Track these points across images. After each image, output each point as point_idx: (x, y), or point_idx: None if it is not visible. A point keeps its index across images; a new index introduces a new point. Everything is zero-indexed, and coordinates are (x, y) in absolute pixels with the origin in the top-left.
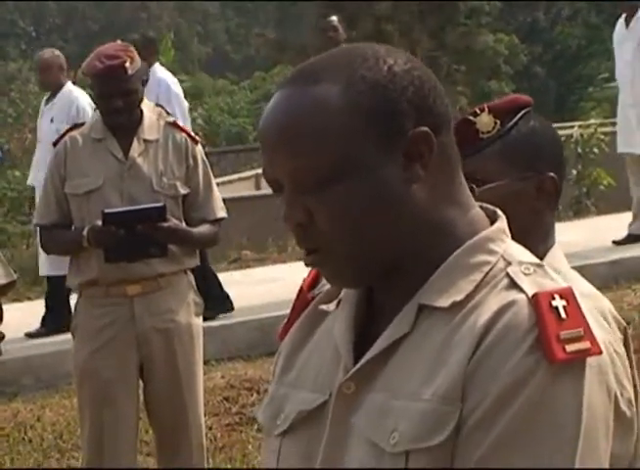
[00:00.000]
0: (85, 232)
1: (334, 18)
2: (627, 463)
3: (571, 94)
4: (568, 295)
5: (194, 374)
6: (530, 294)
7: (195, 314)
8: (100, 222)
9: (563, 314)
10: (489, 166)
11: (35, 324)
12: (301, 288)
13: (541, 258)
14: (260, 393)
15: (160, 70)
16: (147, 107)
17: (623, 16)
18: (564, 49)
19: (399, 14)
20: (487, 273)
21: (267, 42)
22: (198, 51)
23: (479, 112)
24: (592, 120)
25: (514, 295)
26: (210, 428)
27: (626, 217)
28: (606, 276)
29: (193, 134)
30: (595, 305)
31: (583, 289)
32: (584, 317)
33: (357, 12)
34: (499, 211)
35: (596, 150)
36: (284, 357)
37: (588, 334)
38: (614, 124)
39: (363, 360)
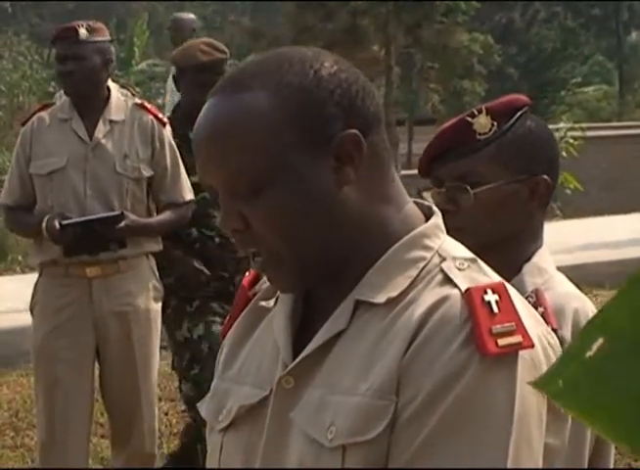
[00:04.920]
0: (44, 225)
1: None
2: (563, 455)
3: (542, 97)
4: (500, 290)
5: (149, 359)
6: (463, 289)
7: (154, 299)
8: (57, 224)
9: (495, 309)
10: (485, 168)
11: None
12: (243, 285)
13: (529, 258)
14: None
15: None
16: (114, 88)
17: None
18: (538, 51)
19: (376, 8)
20: (423, 269)
21: (242, 30)
22: None
23: (476, 113)
24: (562, 124)
25: (447, 290)
26: (166, 413)
27: (591, 222)
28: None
29: (160, 116)
30: (579, 305)
31: (568, 289)
32: (516, 312)
33: (333, 5)
34: (435, 208)
35: (564, 154)
36: (226, 353)
37: (520, 328)
38: (583, 129)
39: (301, 356)
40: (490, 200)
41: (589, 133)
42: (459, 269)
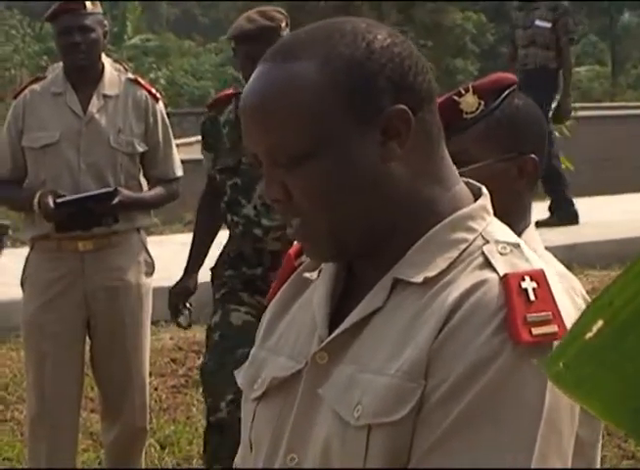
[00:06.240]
0: (36, 201)
1: None
2: (594, 449)
3: None
4: (539, 277)
5: (140, 334)
6: (502, 274)
7: (145, 274)
8: (51, 202)
9: (532, 297)
10: (472, 147)
11: None
12: (289, 254)
13: None
14: None
15: None
16: (107, 62)
17: None
18: None
19: None
20: (464, 251)
21: (236, 7)
22: (166, 11)
23: (463, 92)
24: (554, 104)
25: (486, 274)
26: (156, 389)
27: (582, 202)
28: (560, 261)
29: (154, 91)
30: (567, 285)
31: (556, 269)
32: (554, 301)
33: None
34: (484, 189)
35: (557, 134)
36: (267, 322)
37: (557, 318)
38: (576, 109)
39: (336, 332)
40: (478, 179)
41: (581, 113)
42: (501, 254)
